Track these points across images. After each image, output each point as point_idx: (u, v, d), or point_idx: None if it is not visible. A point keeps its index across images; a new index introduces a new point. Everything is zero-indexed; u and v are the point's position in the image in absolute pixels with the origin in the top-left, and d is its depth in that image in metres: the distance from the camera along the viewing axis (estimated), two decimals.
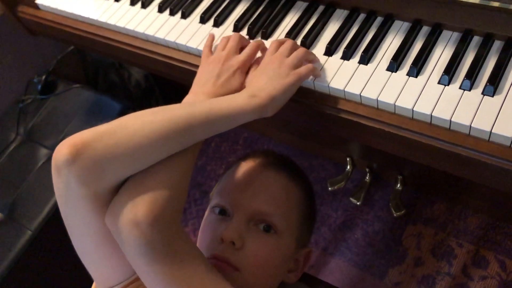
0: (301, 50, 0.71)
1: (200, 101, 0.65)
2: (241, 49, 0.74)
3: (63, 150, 0.52)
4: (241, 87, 0.70)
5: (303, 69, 0.68)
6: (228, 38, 0.75)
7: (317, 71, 0.71)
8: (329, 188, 1.42)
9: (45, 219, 1.18)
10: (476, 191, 1.33)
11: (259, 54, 0.75)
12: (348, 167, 1.43)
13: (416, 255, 1.33)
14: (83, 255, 0.61)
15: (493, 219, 1.33)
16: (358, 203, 1.38)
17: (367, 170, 1.42)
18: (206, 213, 0.73)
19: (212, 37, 0.78)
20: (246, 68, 0.72)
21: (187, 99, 0.68)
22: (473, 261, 1.29)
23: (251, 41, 0.76)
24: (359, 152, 1.41)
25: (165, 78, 1.00)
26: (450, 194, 1.38)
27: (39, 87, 1.40)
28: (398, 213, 1.33)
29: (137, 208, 0.51)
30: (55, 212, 1.19)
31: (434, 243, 1.34)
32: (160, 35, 0.87)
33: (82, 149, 0.51)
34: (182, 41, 0.85)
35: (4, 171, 1.31)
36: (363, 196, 1.39)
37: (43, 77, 1.41)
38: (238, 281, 0.64)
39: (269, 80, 0.66)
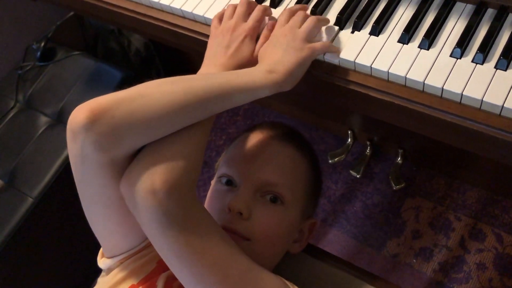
0: (312, 19, 0.70)
1: (219, 74, 0.64)
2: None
3: (80, 115, 0.51)
4: (251, 55, 0.69)
5: (319, 44, 0.68)
6: (235, 6, 0.74)
7: (333, 48, 0.70)
8: (330, 161, 1.42)
9: (46, 187, 1.18)
10: (476, 166, 1.34)
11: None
12: (349, 139, 1.43)
13: (414, 227, 1.35)
14: (93, 221, 0.61)
15: (491, 193, 1.35)
16: (358, 175, 1.39)
17: (367, 143, 1.42)
18: (213, 183, 0.73)
19: (223, 10, 0.76)
20: (256, 34, 0.71)
21: (200, 72, 0.67)
22: (470, 234, 1.31)
23: (258, 5, 0.74)
24: (361, 125, 1.41)
25: (166, 46, 0.98)
26: (450, 168, 1.39)
27: (38, 53, 1.37)
28: (397, 186, 1.34)
29: (154, 177, 0.51)
30: (56, 180, 1.19)
31: (432, 216, 1.36)
32: (165, 1, 0.85)
33: (100, 115, 0.51)
34: (188, 8, 0.83)
35: (4, 139, 1.30)
36: (363, 169, 1.40)
37: (42, 43, 1.38)
38: (247, 251, 0.64)
39: (284, 53, 0.65)
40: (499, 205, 1.32)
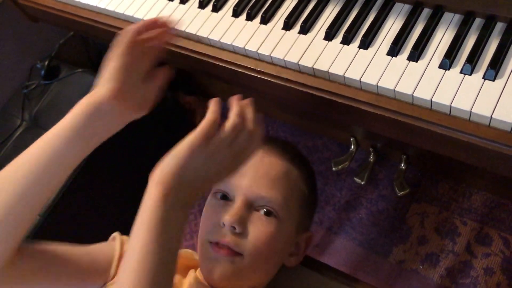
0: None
1: None
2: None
3: None
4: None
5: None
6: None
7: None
8: (333, 168, 1.42)
9: (53, 205, 1.19)
10: (481, 169, 1.33)
11: None
12: (352, 147, 1.43)
13: (420, 233, 1.34)
14: None
15: (497, 197, 1.34)
16: (362, 182, 1.39)
17: (371, 149, 1.41)
18: (209, 197, 0.74)
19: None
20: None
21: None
22: (476, 239, 1.30)
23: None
24: (363, 132, 1.41)
25: None
26: (454, 172, 1.38)
27: (43, 72, 1.40)
28: (402, 192, 1.33)
29: None
30: (62, 197, 1.21)
31: (438, 221, 1.35)
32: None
33: None
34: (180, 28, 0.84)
35: (11, 158, 1.32)
36: (367, 176, 1.39)
37: (46, 62, 1.41)
38: (240, 266, 0.65)
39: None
40: (505, 209, 1.31)
